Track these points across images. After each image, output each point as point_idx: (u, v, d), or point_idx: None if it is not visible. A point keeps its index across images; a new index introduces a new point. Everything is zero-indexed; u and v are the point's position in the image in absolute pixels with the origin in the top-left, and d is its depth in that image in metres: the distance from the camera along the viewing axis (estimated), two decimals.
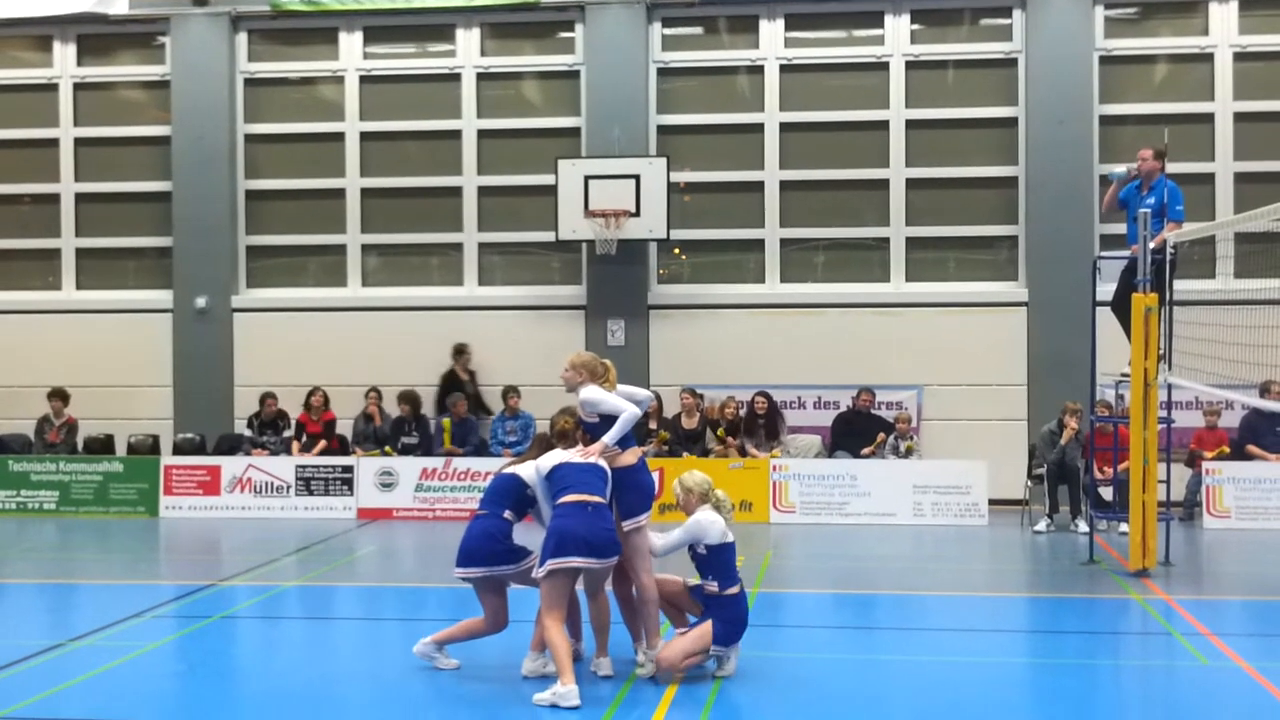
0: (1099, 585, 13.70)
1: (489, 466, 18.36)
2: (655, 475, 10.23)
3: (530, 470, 9.67)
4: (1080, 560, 14.92)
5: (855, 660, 10.46)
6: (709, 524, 9.61)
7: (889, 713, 8.92)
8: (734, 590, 9.67)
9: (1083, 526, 16.66)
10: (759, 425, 19.03)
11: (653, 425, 18.49)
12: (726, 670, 9.60)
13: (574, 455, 9.47)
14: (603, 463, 9.46)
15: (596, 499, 9.29)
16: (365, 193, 21.08)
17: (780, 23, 20.31)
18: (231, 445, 19.84)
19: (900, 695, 9.31)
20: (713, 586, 9.65)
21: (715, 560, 9.64)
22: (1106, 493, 17.06)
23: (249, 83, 21.23)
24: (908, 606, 12.97)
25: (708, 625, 9.54)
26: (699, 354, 19.92)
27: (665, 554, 9.75)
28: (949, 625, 12.04)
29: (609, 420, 9.51)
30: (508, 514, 9.66)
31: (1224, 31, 19.62)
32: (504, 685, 9.40)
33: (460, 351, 19.97)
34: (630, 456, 9.63)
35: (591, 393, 9.61)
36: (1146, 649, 11.41)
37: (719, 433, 18.87)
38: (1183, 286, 14.57)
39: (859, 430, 18.92)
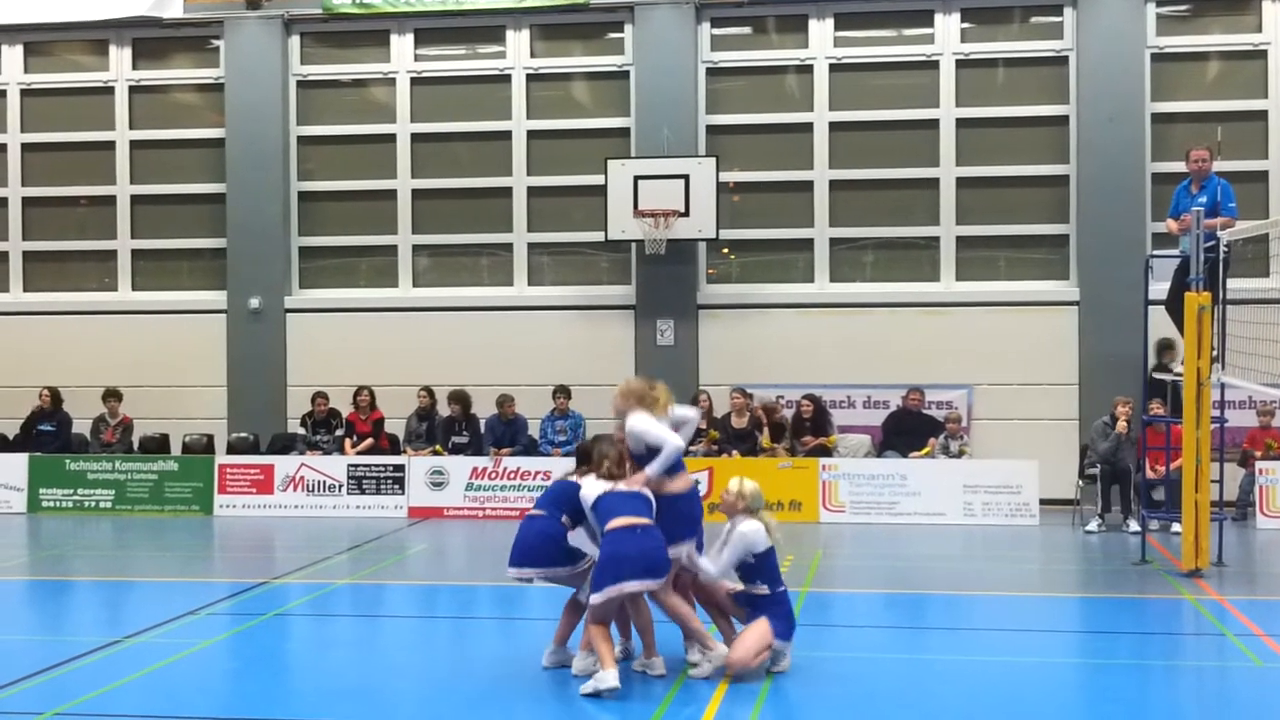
0: (1151, 585, 13.62)
1: (539, 466, 18.50)
2: (705, 474, 10.24)
3: (587, 490, 9.69)
4: (1132, 560, 14.83)
5: (906, 660, 10.45)
6: (754, 533, 9.57)
7: (939, 712, 8.89)
8: (781, 589, 9.71)
9: (1134, 526, 16.56)
10: (806, 428, 19.01)
11: (703, 424, 18.49)
12: (782, 666, 9.61)
13: (619, 484, 9.51)
14: (647, 491, 9.48)
15: (644, 521, 9.31)
16: (416, 194, 21.21)
17: (829, 22, 20.29)
18: (285, 444, 20.00)
19: (951, 695, 9.28)
20: (764, 590, 9.66)
21: (763, 565, 9.65)
22: (1158, 493, 16.95)
23: (301, 85, 21.40)
24: (958, 606, 12.94)
25: (765, 622, 9.56)
26: (748, 353, 19.93)
27: (722, 576, 9.73)
28: (1000, 625, 12.00)
29: (657, 451, 9.53)
30: (565, 519, 9.69)
31: (1277, 28, 19.42)
32: (554, 683, 9.43)
33: (1168, 347, 17.54)
34: (680, 484, 9.64)
35: (638, 422, 9.58)
36: (1199, 650, 11.32)
37: (764, 441, 18.84)
38: (1236, 285, 14.45)
39: (909, 430, 18.88)
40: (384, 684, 9.58)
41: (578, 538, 9.79)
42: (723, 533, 9.75)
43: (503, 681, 9.52)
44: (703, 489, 16.71)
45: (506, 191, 20.96)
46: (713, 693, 9.13)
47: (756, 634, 9.52)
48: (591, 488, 9.57)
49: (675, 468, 9.62)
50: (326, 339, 20.94)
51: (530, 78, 20.94)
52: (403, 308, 20.98)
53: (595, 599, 9.24)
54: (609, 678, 8.95)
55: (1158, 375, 15.80)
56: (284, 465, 19.21)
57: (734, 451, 18.57)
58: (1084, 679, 10.15)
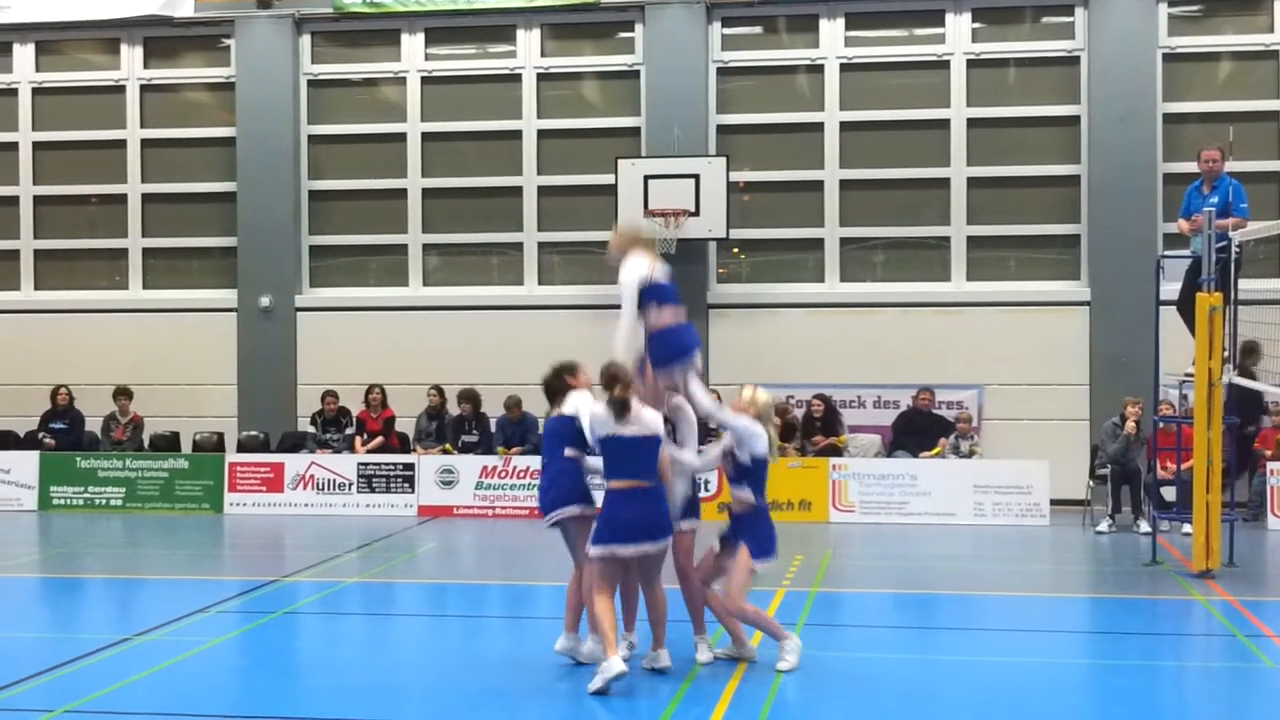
0: (1162, 586, 13.60)
1: None
2: (715, 473, 10.28)
3: (584, 410, 9.61)
4: (1143, 561, 14.81)
5: (915, 660, 10.44)
6: (759, 434, 9.72)
7: (949, 713, 8.89)
8: (765, 504, 9.84)
9: (1145, 527, 16.54)
10: (816, 428, 18.99)
11: (713, 425, 18.44)
12: (789, 664, 9.59)
13: (625, 426, 9.34)
14: (656, 424, 9.41)
15: (646, 484, 9.31)
16: (426, 193, 21.23)
17: (840, 21, 20.27)
18: (295, 443, 20.03)
19: (960, 695, 9.27)
20: (749, 498, 9.73)
21: (759, 474, 9.78)
22: (1169, 493, 16.92)
23: (312, 84, 21.43)
24: (968, 607, 12.92)
25: (744, 554, 9.64)
26: (758, 353, 19.90)
27: (708, 468, 9.74)
28: (1010, 626, 11.99)
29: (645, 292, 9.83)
30: (569, 451, 9.68)
31: None
32: (564, 681, 9.44)
33: (1251, 350, 15.58)
34: (669, 316, 9.86)
35: (628, 275, 10.03)
36: (1210, 651, 11.31)
37: (777, 443, 18.77)
38: (1248, 286, 14.42)
39: (919, 430, 18.86)
40: (393, 682, 9.59)
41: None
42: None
43: (512, 680, 9.53)
44: (713, 488, 16.76)
45: (517, 191, 20.98)
46: (722, 692, 9.13)
47: (741, 570, 9.62)
48: (592, 416, 9.45)
49: (665, 300, 9.85)
50: (337, 338, 20.96)
51: (541, 77, 20.95)
52: (413, 307, 21.00)
53: (593, 551, 9.29)
54: (614, 666, 8.93)
55: (1239, 380, 15.01)
56: (294, 464, 19.24)
57: None
58: (1094, 680, 10.14)
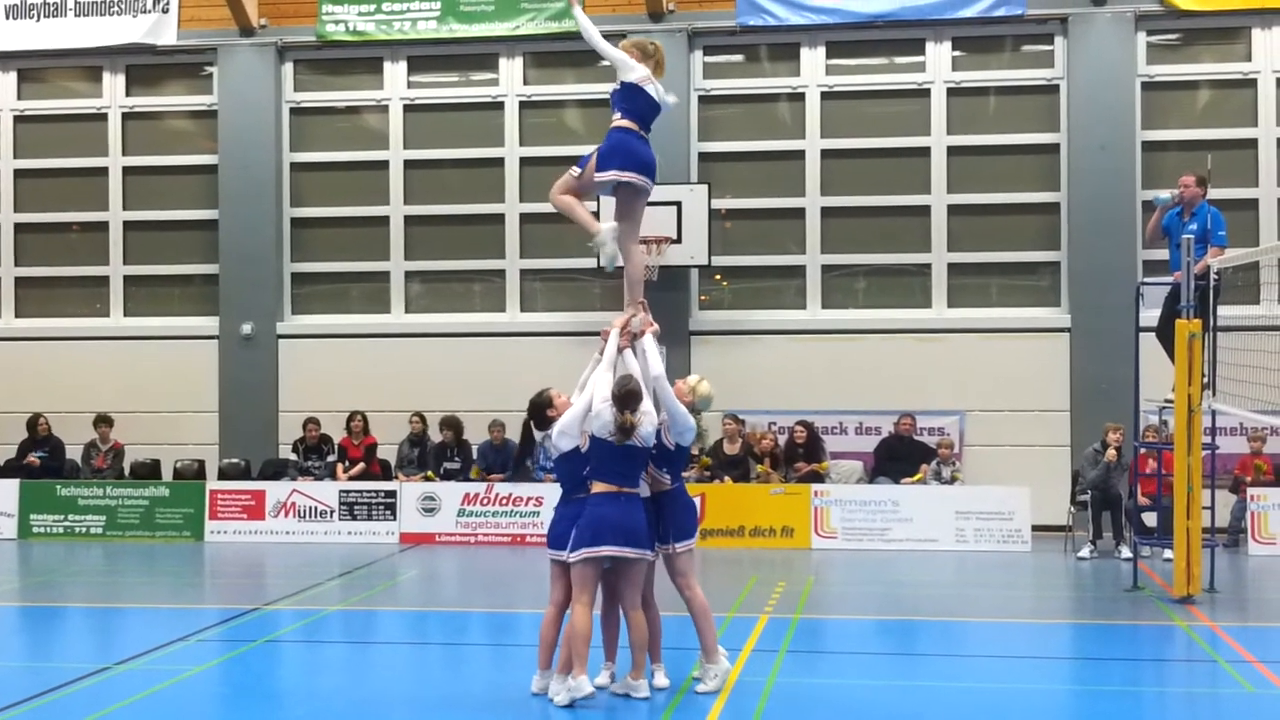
0: (1143, 612, 13.62)
1: (530, 492, 18.45)
2: (697, 500, 10.30)
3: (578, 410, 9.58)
4: (1124, 587, 14.84)
5: (898, 686, 10.42)
6: (693, 427, 9.96)
7: None
8: (680, 484, 9.98)
9: (1126, 553, 16.57)
10: (799, 454, 19.01)
11: (695, 450, 18.48)
12: (710, 686, 9.66)
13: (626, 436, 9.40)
14: (652, 435, 9.44)
15: (629, 490, 9.40)
16: (409, 220, 21.24)
17: (821, 50, 20.36)
18: (276, 470, 19.98)
19: None
20: (666, 480, 9.81)
21: (677, 459, 9.91)
22: (1150, 519, 16.96)
23: (295, 112, 21.45)
24: (950, 633, 12.93)
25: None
26: (741, 380, 19.89)
27: (655, 376, 9.88)
28: (992, 652, 11.98)
29: (629, 92, 10.14)
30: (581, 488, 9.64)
31: (1267, 56, 19.52)
32: (547, 709, 9.41)
33: None
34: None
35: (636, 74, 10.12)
36: (1191, 676, 11.34)
37: (760, 468, 18.82)
38: (1227, 312, 14.51)
39: (901, 456, 18.89)
40: (374, 711, 9.56)
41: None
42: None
43: (494, 708, 9.50)
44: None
45: (499, 218, 21.00)
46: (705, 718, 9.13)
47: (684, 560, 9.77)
48: (598, 415, 9.44)
49: (630, 116, 10.27)
50: (318, 365, 20.92)
51: (523, 105, 21.00)
52: (395, 333, 20.99)
53: (573, 558, 9.32)
54: (582, 686, 9.07)
55: (1220, 406, 14.51)
56: (275, 491, 19.18)
57: (726, 478, 18.57)
58: (1076, 706, 10.15)
